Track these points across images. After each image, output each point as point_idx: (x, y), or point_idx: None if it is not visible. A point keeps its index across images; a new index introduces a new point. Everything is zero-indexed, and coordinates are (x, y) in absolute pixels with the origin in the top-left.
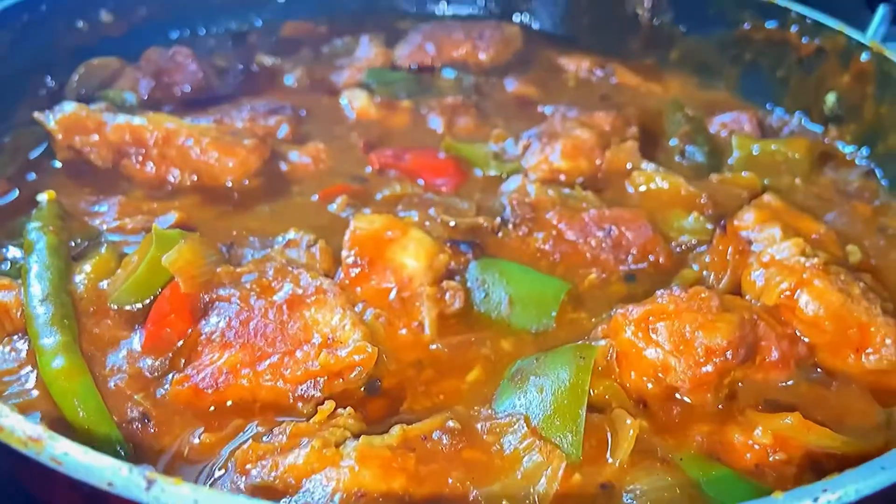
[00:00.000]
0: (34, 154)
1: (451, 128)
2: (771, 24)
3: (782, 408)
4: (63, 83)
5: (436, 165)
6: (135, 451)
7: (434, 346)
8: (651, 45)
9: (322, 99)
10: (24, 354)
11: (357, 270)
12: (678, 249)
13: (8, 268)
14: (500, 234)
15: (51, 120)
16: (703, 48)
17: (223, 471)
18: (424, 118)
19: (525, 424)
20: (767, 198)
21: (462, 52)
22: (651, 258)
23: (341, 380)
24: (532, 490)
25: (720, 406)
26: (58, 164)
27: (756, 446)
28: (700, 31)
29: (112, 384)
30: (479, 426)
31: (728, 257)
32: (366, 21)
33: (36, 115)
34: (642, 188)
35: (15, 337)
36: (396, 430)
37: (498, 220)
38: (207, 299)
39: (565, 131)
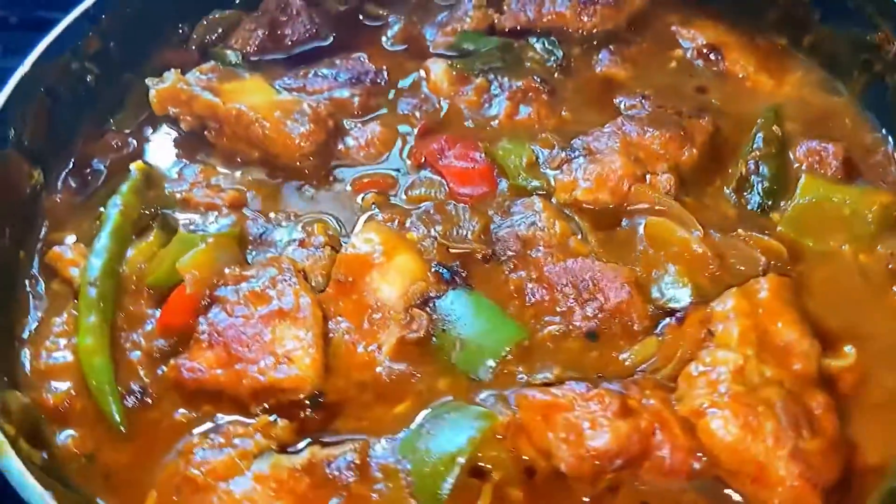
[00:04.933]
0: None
1: (512, 117)
2: None
3: None
4: (193, 28)
5: (468, 172)
6: (130, 419)
7: (380, 370)
8: (787, 23)
9: (407, 64)
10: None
11: (340, 288)
12: (654, 311)
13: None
14: (487, 266)
15: (152, 92)
16: (836, 42)
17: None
18: (492, 99)
19: (405, 478)
20: (763, 282)
21: (563, 18)
22: (619, 321)
23: (282, 394)
24: None
25: (597, 493)
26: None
27: None
28: (836, 23)
29: (130, 356)
30: (373, 463)
31: (678, 351)
32: None
33: (147, 81)
34: (655, 235)
35: (76, 301)
36: (307, 453)
37: (489, 251)
38: (209, 298)
39: (605, 152)
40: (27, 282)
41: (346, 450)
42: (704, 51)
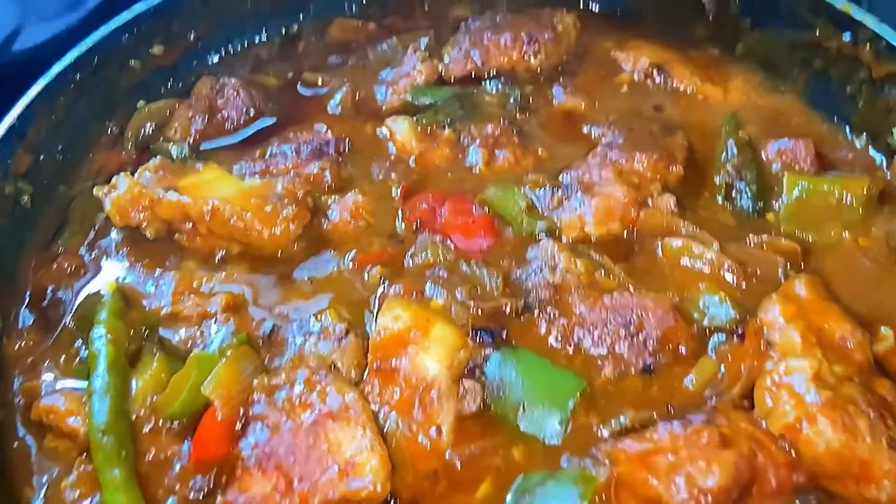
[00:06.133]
0: (100, 219)
1: (491, 164)
2: (845, 36)
3: None
4: (123, 125)
5: (469, 226)
6: None
7: (449, 455)
8: (717, 34)
9: (365, 127)
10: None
11: (381, 377)
12: (698, 332)
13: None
14: (522, 319)
15: (108, 203)
16: (771, 45)
17: None
18: (465, 150)
19: None
20: (798, 286)
21: (508, 59)
22: (670, 348)
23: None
24: None
25: None
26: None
27: None
28: (768, 27)
29: None
30: None
31: (743, 368)
32: (416, 9)
33: (95, 191)
34: (674, 256)
35: (85, 455)
36: None
37: (521, 302)
38: (244, 419)
39: (602, 184)
40: (15, 444)
41: None
42: (651, 70)
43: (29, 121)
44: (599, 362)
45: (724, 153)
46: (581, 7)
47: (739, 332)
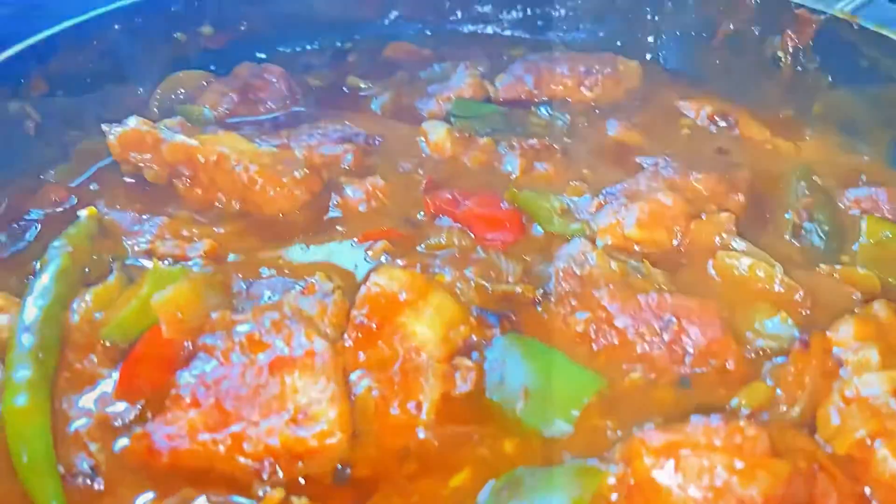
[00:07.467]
0: (104, 163)
1: (528, 172)
2: None
3: None
4: (153, 94)
5: (493, 217)
6: None
7: (425, 434)
8: (791, 94)
9: (402, 128)
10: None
11: (363, 333)
12: (753, 355)
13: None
14: (539, 308)
15: (111, 135)
16: (852, 104)
17: None
18: (501, 158)
19: None
20: (878, 307)
21: (563, 88)
22: (714, 363)
23: (301, 463)
24: None
25: None
26: (126, 179)
27: None
28: (850, 84)
29: (73, 428)
30: None
31: (807, 380)
32: (474, 46)
33: (104, 126)
34: (729, 272)
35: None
36: None
37: (540, 290)
38: (192, 347)
39: (649, 192)
40: None
41: None
42: (716, 117)
43: (52, 49)
44: (626, 365)
45: (794, 194)
46: (650, 59)
47: (804, 338)
